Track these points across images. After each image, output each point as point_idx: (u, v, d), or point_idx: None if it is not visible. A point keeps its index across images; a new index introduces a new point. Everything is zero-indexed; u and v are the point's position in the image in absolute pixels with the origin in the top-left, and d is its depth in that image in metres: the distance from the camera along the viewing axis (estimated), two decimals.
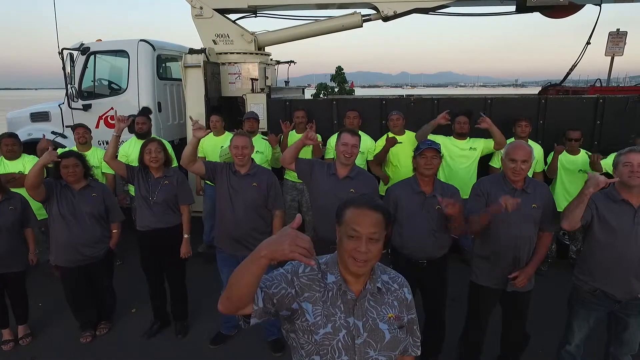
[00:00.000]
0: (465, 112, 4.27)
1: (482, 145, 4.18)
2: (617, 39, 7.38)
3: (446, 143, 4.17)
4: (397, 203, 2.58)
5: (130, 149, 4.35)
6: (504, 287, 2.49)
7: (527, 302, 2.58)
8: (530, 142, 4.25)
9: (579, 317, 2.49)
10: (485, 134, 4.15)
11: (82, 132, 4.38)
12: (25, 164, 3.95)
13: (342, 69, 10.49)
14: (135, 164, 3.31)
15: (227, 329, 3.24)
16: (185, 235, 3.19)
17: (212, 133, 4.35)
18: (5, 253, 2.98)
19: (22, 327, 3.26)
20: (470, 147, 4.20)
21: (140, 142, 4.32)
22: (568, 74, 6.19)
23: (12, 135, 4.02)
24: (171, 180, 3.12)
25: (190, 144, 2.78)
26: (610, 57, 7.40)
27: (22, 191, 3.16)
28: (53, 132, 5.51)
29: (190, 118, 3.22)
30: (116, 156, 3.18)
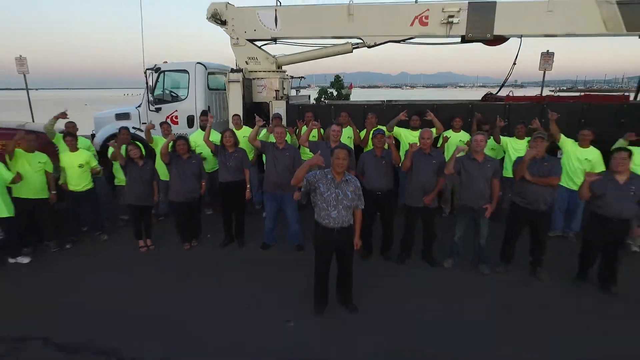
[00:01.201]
0: (417, 113, 6.55)
1: (433, 130, 6.44)
2: (547, 57, 9.70)
3: (406, 133, 6.46)
4: (364, 163, 4.88)
5: (197, 137, 6.58)
6: (421, 204, 4.77)
7: (434, 214, 4.86)
8: (462, 132, 6.53)
9: (459, 221, 4.80)
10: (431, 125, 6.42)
11: (166, 127, 6.62)
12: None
13: (340, 78, 12.79)
14: (201, 148, 5.71)
15: (269, 240, 5.52)
16: (248, 186, 5.46)
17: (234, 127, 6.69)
18: (147, 193, 5.28)
19: (149, 240, 5.55)
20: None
21: (202, 133, 6.60)
22: (502, 85, 8.48)
23: (127, 128, 6.27)
24: (238, 154, 5.38)
25: (254, 130, 5.10)
26: (542, 71, 9.73)
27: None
28: (134, 127, 7.79)
29: (255, 115, 5.50)
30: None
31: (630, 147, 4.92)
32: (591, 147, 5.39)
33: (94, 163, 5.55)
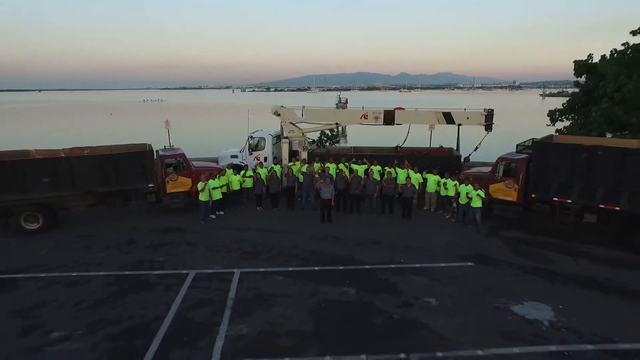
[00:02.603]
0: (360, 157, 16.46)
1: (365, 166, 16.35)
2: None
3: (356, 167, 16.42)
4: (335, 180, 14.84)
5: (277, 168, 16.47)
6: (355, 193, 14.72)
7: (360, 197, 14.82)
8: (378, 166, 16.43)
9: (368, 199, 14.82)
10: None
11: (261, 163, 16.60)
12: (246, 173, 16.18)
13: (335, 132, 22.72)
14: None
15: (303, 208, 15.47)
16: (296, 189, 15.41)
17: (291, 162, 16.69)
18: (261, 189, 15.28)
19: (260, 206, 15.51)
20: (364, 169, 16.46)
21: (275, 166, 16.60)
22: (404, 140, 18.37)
23: (247, 165, 16.19)
24: (293, 176, 15.35)
25: (299, 166, 15.12)
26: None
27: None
28: (240, 161, 17.74)
29: (298, 159, 15.53)
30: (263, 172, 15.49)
31: (430, 176, 14.94)
32: (418, 174, 15.27)
33: (242, 180, 15.51)
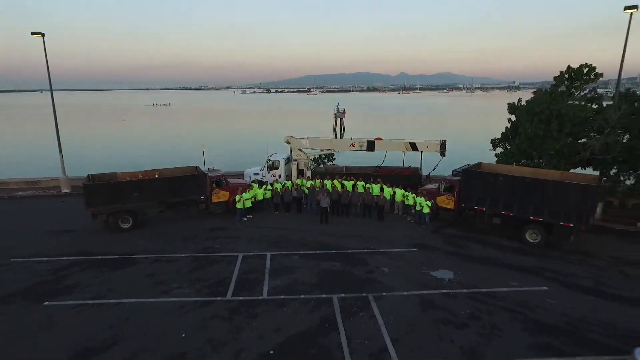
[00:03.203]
0: (348, 174, 22.66)
1: (352, 182, 22.59)
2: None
3: (345, 182, 22.65)
4: (330, 192, 21.07)
5: (288, 183, 22.74)
6: (345, 202, 20.94)
7: (348, 205, 21.05)
8: (363, 182, 22.65)
9: (352, 207, 21.08)
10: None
11: (277, 179, 22.85)
12: (266, 187, 22.42)
13: (333, 155, 29.03)
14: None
15: (309, 212, 21.70)
16: (303, 199, 21.65)
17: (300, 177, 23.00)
18: (276, 199, 21.55)
19: (277, 211, 21.74)
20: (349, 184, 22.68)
21: (288, 181, 22.94)
22: (383, 161, 24.56)
23: (267, 181, 22.40)
24: (301, 190, 21.57)
25: (305, 182, 21.34)
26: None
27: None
28: (260, 178, 23.94)
29: (303, 176, 21.77)
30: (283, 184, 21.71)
31: (397, 190, 21.23)
32: (389, 188, 21.45)
33: (264, 192, 21.73)
